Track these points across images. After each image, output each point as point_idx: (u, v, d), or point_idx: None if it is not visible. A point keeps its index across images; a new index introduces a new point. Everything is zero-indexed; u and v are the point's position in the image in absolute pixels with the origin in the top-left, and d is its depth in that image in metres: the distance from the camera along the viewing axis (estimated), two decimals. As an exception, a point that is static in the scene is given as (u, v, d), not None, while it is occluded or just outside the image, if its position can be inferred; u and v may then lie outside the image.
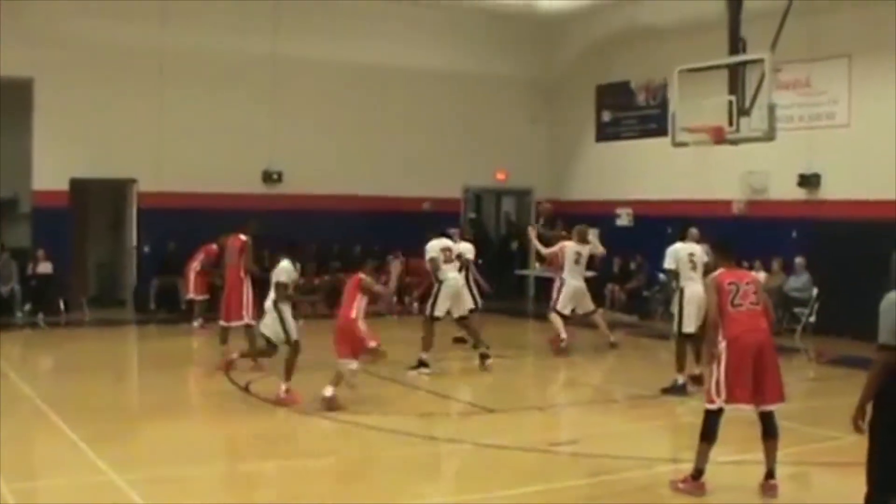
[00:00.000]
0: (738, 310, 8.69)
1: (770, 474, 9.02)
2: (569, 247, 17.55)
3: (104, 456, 9.94)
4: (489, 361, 15.57)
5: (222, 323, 15.87)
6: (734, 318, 8.66)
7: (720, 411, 8.78)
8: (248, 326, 15.40)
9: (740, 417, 12.83)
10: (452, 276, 15.56)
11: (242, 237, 15.67)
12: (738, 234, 21.28)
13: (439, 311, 15.44)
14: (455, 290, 15.55)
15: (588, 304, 17.71)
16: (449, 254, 15.65)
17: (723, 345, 8.65)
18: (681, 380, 13.68)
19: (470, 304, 16.21)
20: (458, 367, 16.93)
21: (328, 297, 17.10)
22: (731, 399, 8.67)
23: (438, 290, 15.42)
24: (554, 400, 14.03)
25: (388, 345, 16.00)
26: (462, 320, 16.00)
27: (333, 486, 9.46)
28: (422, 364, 15.11)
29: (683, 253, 14.10)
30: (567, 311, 17.37)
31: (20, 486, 9.03)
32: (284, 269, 13.00)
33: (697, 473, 8.94)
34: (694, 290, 13.66)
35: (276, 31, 23.85)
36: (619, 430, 12.08)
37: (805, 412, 12.88)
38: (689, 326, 13.64)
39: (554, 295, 17.60)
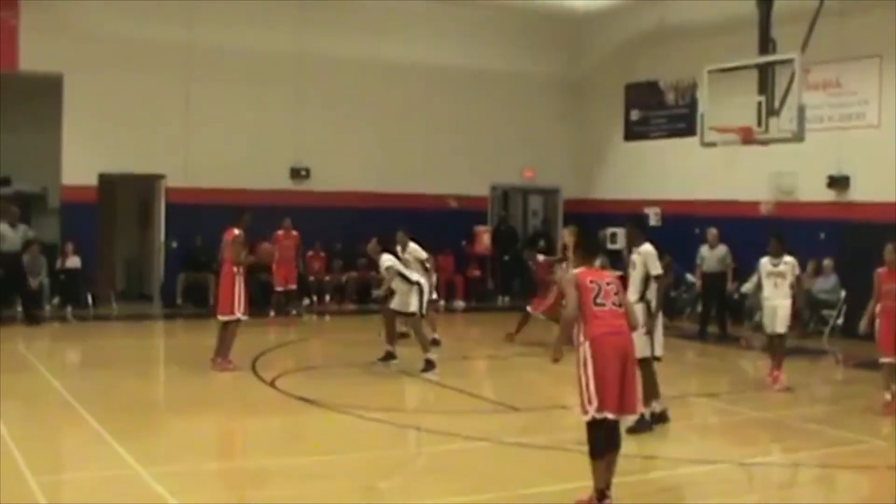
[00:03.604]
0: (601, 308, 8.22)
1: (604, 491, 8.24)
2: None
3: (130, 449, 10.00)
4: None
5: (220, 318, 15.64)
6: (598, 316, 8.19)
7: (598, 422, 8.13)
8: (237, 322, 15.30)
9: (763, 419, 12.85)
10: None
11: (235, 231, 15.55)
12: (766, 236, 21.30)
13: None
14: None
15: None
16: None
17: (586, 345, 8.18)
18: (647, 413, 11.41)
19: None
20: (484, 365, 16.95)
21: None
22: (602, 407, 8.06)
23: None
24: (578, 398, 13.97)
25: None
26: None
27: (358, 484, 9.47)
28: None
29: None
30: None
31: (47, 478, 9.07)
32: None
33: (600, 495, 8.18)
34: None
35: (303, 29, 23.90)
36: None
37: (831, 415, 12.86)
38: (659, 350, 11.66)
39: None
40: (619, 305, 8.36)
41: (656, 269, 11.34)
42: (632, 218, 13.25)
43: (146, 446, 10.50)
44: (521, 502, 8.91)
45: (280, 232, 21.78)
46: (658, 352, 11.51)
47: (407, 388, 14.52)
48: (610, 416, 8.08)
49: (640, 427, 11.16)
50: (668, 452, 10.93)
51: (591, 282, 8.33)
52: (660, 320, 11.58)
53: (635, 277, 11.38)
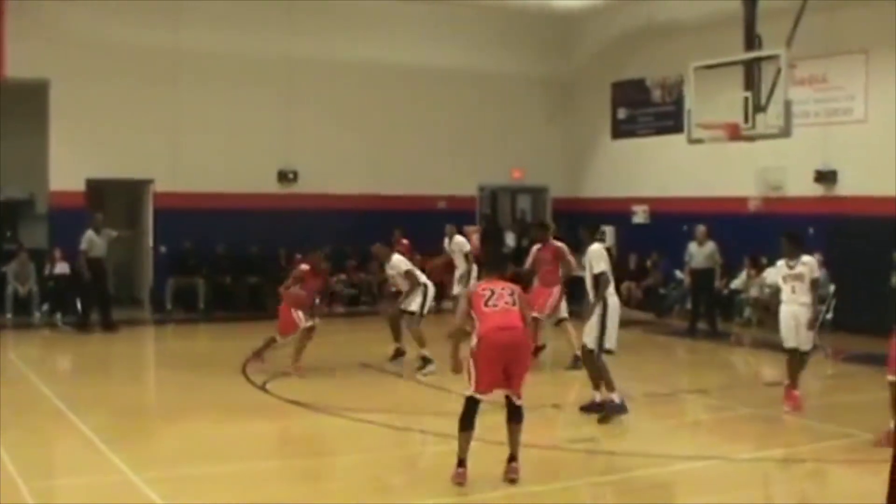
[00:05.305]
0: (492, 309, 9.27)
1: (512, 458, 9.26)
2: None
3: (122, 455, 9.99)
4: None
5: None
6: (488, 315, 9.24)
7: (476, 401, 9.19)
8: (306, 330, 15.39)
9: (754, 415, 12.86)
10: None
11: (303, 266, 15.61)
12: (755, 231, 21.39)
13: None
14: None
15: (563, 310, 16.21)
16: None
17: (476, 341, 9.23)
18: (616, 398, 11.97)
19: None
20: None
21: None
22: (478, 389, 9.16)
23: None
24: (570, 397, 14.00)
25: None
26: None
27: (349, 485, 9.48)
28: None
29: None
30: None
31: (39, 485, 9.07)
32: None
33: (461, 463, 9.18)
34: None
35: (290, 31, 23.90)
36: (635, 428, 12.06)
37: (821, 409, 12.86)
38: (612, 343, 12.05)
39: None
40: (514, 304, 9.37)
41: (598, 267, 11.96)
42: (586, 223, 13.63)
43: (138, 452, 10.48)
44: (514, 502, 8.93)
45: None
46: (609, 345, 12.05)
47: (398, 389, 14.51)
48: (479, 396, 9.17)
49: (607, 410, 11.94)
50: (660, 449, 10.95)
51: (484, 289, 9.49)
52: (614, 315, 12.07)
53: (587, 277, 12.15)
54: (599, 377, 12.16)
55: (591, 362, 12.18)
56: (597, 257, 12.03)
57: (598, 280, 11.97)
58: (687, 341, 19.90)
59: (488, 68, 26.13)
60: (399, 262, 15.81)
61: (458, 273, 18.27)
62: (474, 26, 26.08)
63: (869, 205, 19.63)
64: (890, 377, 10.66)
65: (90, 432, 11.10)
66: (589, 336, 12.08)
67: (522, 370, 9.35)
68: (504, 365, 9.21)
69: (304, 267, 15.53)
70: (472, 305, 9.40)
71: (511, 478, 9.16)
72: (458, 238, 18.57)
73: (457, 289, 17.67)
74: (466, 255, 17.96)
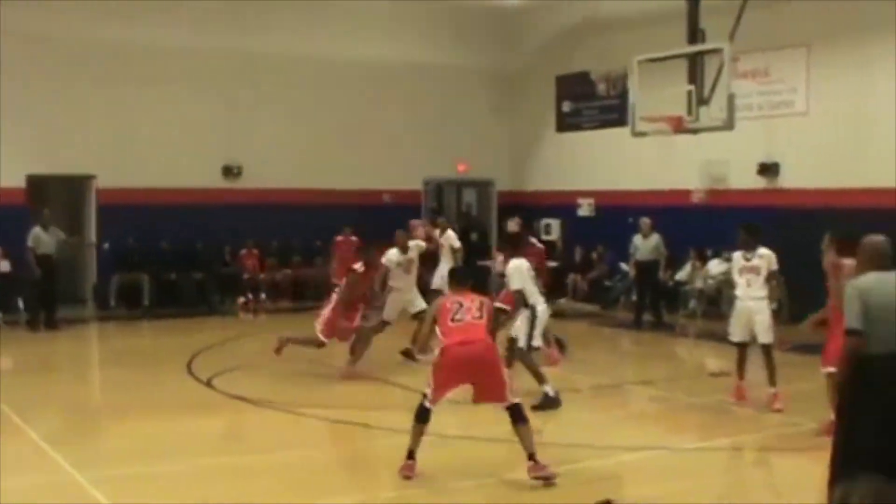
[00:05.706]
0: (457, 324, 9.34)
1: (530, 457, 9.11)
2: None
3: (66, 455, 9.90)
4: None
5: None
6: (452, 330, 9.33)
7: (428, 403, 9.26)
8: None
9: (699, 405, 12.97)
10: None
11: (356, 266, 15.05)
12: (699, 224, 21.55)
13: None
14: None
15: None
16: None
17: (438, 353, 9.40)
18: (551, 392, 12.30)
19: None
20: (428, 361, 16.91)
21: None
22: (433, 396, 9.22)
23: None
24: (517, 391, 14.04)
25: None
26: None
27: (299, 482, 9.44)
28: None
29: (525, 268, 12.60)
30: None
31: (-20, 486, 8.95)
32: None
33: (410, 455, 9.22)
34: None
35: (235, 26, 23.73)
36: (582, 420, 12.15)
37: (767, 399, 12.98)
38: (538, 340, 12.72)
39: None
40: (480, 318, 9.44)
41: (514, 285, 12.37)
42: (507, 237, 14.02)
43: (82, 451, 10.39)
44: (459, 500, 8.95)
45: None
46: (535, 343, 12.61)
47: (347, 385, 14.44)
48: (429, 405, 9.19)
49: (545, 404, 12.12)
50: (606, 440, 11.00)
51: (452, 303, 9.58)
52: (541, 323, 12.62)
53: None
54: (538, 370, 12.44)
55: (523, 356, 12.46)
56: (512, 273, 12.42)
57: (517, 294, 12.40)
58: (632, 333, 20.04)
59: (433, 62, 26.09)
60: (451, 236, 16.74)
61: (442, 267, 17.28)
62: (418, 20, 26.03)
63: (811, 197, 19.82)
64: (824, 369, 10.62)
65: (33, 432, 10.98)
66: (518, 335, 12.45)
67: (494, 381, 9.27)
68: (467, 379, 9.28)
69: (357, 267, 14.93)
70: (437, 321, 9.45)
71: (538, 475, 9.03)
72: (450, 233, 18.34)
73: (437, 282, 17.08)
74: (455, 251, 17.68)
